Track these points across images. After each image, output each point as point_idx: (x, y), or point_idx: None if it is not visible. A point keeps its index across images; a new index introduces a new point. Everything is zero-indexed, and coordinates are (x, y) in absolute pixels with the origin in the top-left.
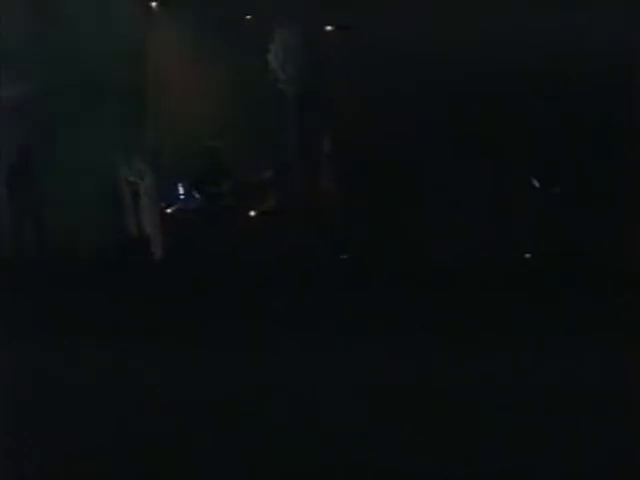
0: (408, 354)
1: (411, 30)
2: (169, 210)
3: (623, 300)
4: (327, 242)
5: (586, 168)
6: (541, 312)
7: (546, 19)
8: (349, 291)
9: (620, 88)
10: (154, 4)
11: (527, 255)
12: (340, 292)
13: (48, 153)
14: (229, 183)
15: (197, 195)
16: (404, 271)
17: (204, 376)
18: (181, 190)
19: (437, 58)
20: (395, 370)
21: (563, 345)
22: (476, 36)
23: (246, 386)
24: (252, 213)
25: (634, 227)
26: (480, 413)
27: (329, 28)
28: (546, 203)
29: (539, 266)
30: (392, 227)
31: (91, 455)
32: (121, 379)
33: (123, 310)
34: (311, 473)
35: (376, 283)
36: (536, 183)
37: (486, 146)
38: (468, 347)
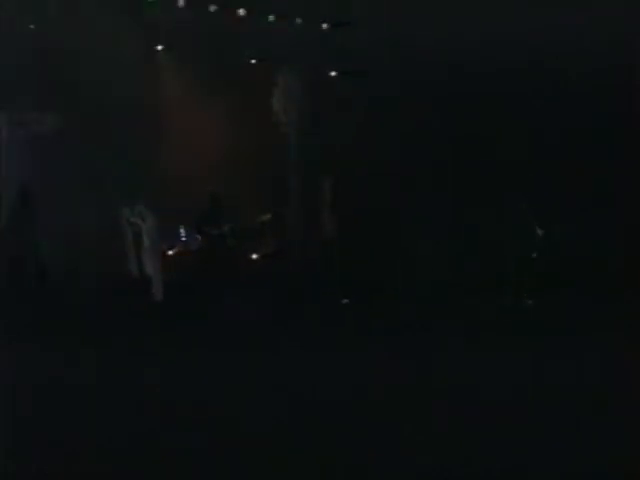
0: (410, 408)
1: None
2: (171, 252)
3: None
4: (327, 287)
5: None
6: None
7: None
8: (349, 336)
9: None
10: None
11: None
12: (341, 336)
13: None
14: (230, 225)
15: (198, 237)
16: (403, 316)
17: (202, 416)
18: (183, 232)
19: (440, 106)
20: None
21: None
22: (482, 87)
23: (240, 429)
24: (254, 256)
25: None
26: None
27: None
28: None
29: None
30: (392, 272)
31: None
32: (117, 416)
33: (124, 349)
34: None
35: (377, 328)
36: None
37: (487, 192)
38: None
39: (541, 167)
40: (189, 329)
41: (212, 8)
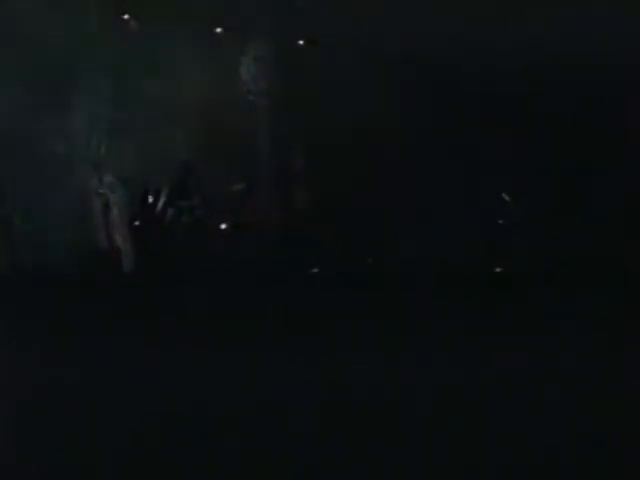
0: (383, 369)
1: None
2: (138, 223)
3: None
4: (298, 256)
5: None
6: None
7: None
8: (319, 306)
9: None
10: (126, 17)
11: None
12: (310, 307)
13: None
14: (200, 196)
15: (168, 208)
16: (374, 286)
17: (172, 388)
18: (151, 202)
19: (413, 74)
20: (369, 388)
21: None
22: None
23: (214, 399)
24: (223, 226)
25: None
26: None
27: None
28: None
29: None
30: (363, 241)
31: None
32: (86, 392)
33: (93, 323)
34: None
35: (346, 298)
36: (506, 197)
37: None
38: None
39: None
40: (158, 300)
41: None
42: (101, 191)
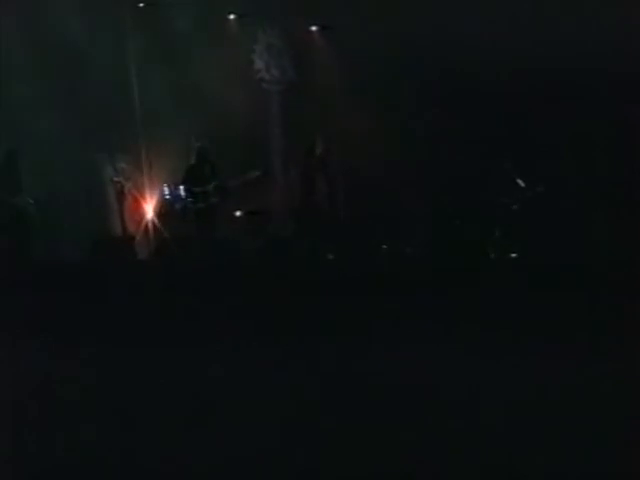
0: (394, 355)
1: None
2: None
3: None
4: (312, 243)
5: None
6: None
7: None
8: (333, 293)
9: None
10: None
11: None
12: (324, 293)
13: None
14: (215, 183)
15: (183, 195)
16: (389, 274)
17: (187, 375)
18: (166, 190)
19: (423, 60)
20: (375, 372)
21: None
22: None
23: (224, 386)
24: (238, 213)
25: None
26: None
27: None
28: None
29: None
30: (377, 229)
31: None
32: (103, 380)
33: (109, 310)
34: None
35: (361, 285)
36: (521, 183)
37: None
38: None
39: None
40: (173, 287)
41: None
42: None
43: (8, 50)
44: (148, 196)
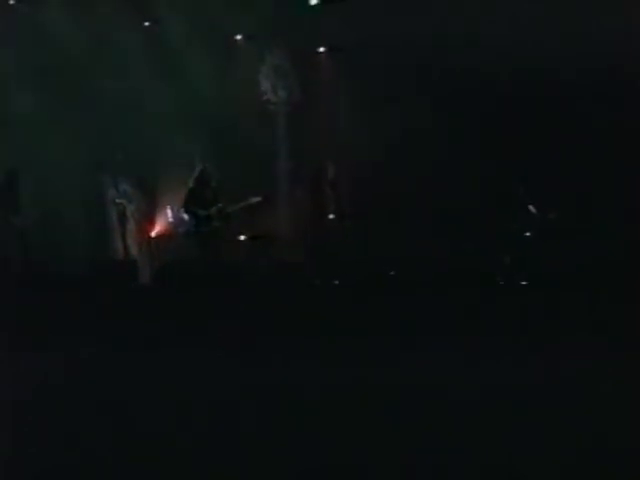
0: (401, 378)
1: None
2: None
3: None
4: (316, 268)
5: None
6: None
7: None
8: (338, 317)
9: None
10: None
11: None
12: (330, 318)
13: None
14: (218, 207)
15: (186, 218)
16: (393, 299)
17: (184, 401)
18: (169, 213)
19: (432, 82)
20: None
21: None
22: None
23: (232, 411)
24: (242, 237)
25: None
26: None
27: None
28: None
29: None
30: (382, 251)
31: None
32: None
33: (110, 332)
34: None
35: (367, 309)
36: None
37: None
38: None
39: (538, 149)
40: (175, 312)
41: None
42: (118, 201)
43: (10, 68)
44: (150, 219)
